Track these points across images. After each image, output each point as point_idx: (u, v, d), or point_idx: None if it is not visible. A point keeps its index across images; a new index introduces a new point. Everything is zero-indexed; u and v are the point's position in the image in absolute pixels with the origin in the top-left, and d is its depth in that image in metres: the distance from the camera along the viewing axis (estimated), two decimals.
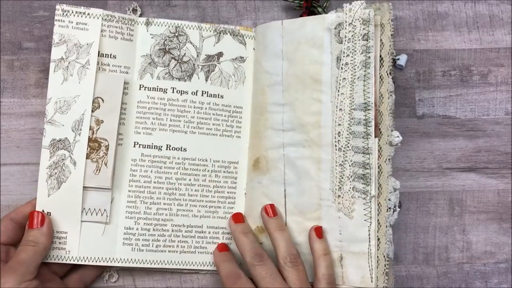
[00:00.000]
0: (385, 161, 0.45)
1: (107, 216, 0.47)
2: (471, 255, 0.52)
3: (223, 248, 0.48)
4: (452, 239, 0.52)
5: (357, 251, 0.45)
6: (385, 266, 0.45)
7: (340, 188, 0.45)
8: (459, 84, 0.53)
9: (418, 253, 0.52)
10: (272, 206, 0.47)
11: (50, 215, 0.46)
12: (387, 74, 0.46)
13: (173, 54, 0.50)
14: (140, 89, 0.49)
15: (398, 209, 0.46)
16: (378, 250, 0.45)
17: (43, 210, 0.46)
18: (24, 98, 0.51)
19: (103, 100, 0.47)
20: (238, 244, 0.47)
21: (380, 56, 0.46)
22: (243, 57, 0.51)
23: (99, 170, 0.47)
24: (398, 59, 0.52)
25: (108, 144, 0.47)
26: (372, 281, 0.44)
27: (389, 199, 0.45)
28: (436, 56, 0.54)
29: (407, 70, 0.53)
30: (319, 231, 0.46)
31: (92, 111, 0.47)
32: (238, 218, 0.49)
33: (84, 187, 0.46)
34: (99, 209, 0.47)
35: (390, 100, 0.46)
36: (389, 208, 0.45)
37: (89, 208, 0.47)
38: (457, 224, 0.52)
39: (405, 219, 0.52)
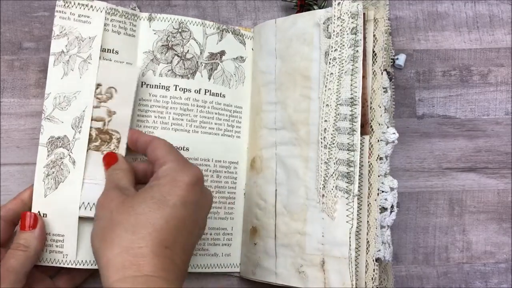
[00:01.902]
0: (376, 160, 0.43)
1: None
2: (471, 255, 0.52)
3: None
4: (452, 239, 0.52)
5: (338, 255, 0.43)
6: (374, 271, 0.42)
7: (324, 187, 0.44)
8: (459, 84, 0.54)
9: (418, 253, 0.52)
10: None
11: (46, 216, 0.44)
12: (380, 70, 0.44)
13: (176, 51, 0.49)
14: (142, 87, 0.48)
15: (396, 210, 0.44)
16: (367, 253, 0.43)
17: (39, 212, 0.44)
18: (24, 98, 0.51)
19: (116, 91, 0.46)
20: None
21: (374, 51, 0.44)
22: (243, 57, 0.51)
23: None
24: (397, 58, 0.52)
25: (120, 137, 0.45)
26: None
27: (386, 199, 0.44)
28: (436, 56, 0.54)
29: (407, 70, 0.53)
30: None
31: (105, 102, 0.45)
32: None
33: (83, 180, 0.44)
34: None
35: (385, 96, 0.44)
36: (385, 208, 0.44)
37: (88, 203, 0.45)
38: (457, 224, 0.52)
39: (405, 219, 0.52)
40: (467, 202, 0.52)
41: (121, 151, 0.46)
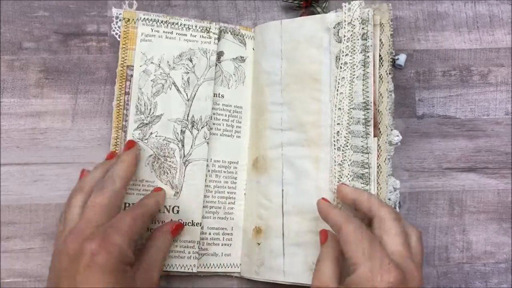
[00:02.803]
0: (384, 161, 0.45)
1: None
2: (471, 255, 0.52)
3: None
4: (452, 239, 0.52)
5: None
6: None
7: None
8: (459, 84, 0.54)
9: None
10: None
11: None
12: (387, 73, 0.45)
13: None
14: None
15: (398, 209, 0.45)
16: None
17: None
18: (24, 98, 0.51)
19: None
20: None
21: (380, 55, 0.46)
22: (243, 57, 0.51)
23: None
24: (397, 58, 0.52)
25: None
26: None
27: (389, 199, 0.45)
28: (436, 56, 0.54)
29: (407, 70, 0.53)
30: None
31: None
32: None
33: None
34: None
35: (389, 99, 0.46)
36: None
37: None
38: (457, 224, 0.52)
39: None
40: (467, 202, 0.52)
41: None
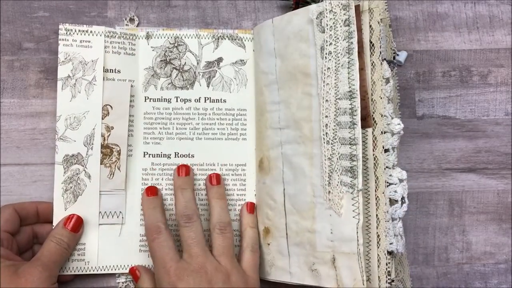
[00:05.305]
0: (380, 152, 0.43)
1: (122, 217, 0.49)
2: (471, 256, 0.52)
3: (151, 192, 0.48)
4: (451, 240, 0.52)
5: (347, 251, 0.43)
6: (387, 264, 0.42)
7: (330, 183, 0.44)
8: (459, 85, 0.54)
9: (418, 254, 0.52)
10: (217, 175, 0.49)
11: None
12: (379, 60, 0.43)
13: (174, 64, 0.51)
14: (145, 101, 0.51)
15: (407, 201, 0.43)
16: (378, 247, 0.43)
17: None
18: (24, 98, 0.51)
19: (111, 107, 0.49)
20: (174, 199, 0.47)
21: (371, 42, 0.44)
22: (243, 60, 0.52)
23: (113, 174, 0.49)
24: (397, 55, 0.52)
25: (120, 149, 0.49)
26: (363, 284, 0.42)
27: (395, 191, 0.43)
28: (436, 56, 0.54)
29: (407, 70, 0.53)
30: (250, 207, 0.49)
31: (102, 118, 0.48)
32: (182, 171, 0.48)
33: (99, 191, 0.48)
34: (115, 212, 0.49)
35: (387, 86, 0.43)
36: (396, 200, 0.43)
37: (105, 212, 0.48)
38: (456, 225, 0.52)
39: (405, 219, 0.52)
40: (467, 203, 0.52)
41: (122, 162, 0.49)
